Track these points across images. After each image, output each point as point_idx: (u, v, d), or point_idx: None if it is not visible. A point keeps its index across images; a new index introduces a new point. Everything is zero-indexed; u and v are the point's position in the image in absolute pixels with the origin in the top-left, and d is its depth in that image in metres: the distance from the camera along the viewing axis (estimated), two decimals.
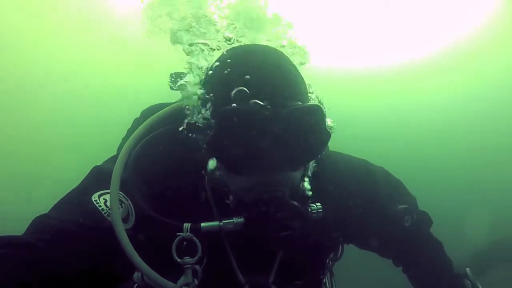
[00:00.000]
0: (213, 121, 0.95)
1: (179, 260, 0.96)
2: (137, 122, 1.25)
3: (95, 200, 0.96)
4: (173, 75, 1.25)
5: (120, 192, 0.98)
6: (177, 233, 0.96)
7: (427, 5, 5.99)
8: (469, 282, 1.27)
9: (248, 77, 0.94)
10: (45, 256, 0.85)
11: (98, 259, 0.91)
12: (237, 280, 1.04)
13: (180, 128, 1.01)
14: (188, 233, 0.97)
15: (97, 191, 0.98)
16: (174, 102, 1.18)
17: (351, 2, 5.85)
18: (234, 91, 0.93)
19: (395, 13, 6.23)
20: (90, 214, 0.94)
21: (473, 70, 6.94)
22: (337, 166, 1.20)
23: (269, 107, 0.91)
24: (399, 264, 1.42)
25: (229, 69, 0.97)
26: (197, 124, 0.98)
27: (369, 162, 1.33)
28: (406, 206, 1.28)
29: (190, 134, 1.00)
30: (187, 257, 0.97)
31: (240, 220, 0.97)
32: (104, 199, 0.97)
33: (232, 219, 0.97)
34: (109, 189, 0.97)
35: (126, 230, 0.94)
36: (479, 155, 6.89)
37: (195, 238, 0.97)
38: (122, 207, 0.97)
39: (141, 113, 1.28)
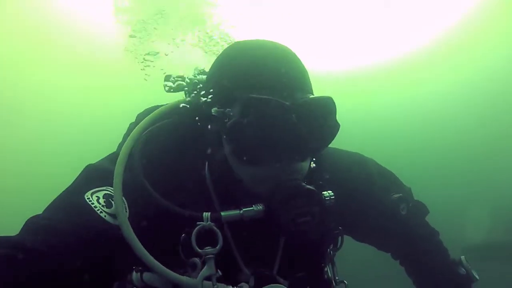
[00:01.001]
0: (229, 110, 0.97)
1: (200, 250, 0.95)
2: (133, 126, 1.24)
3: (88, 198, 0.95)
4: (171, 77, 1.25)
5: (112, 188, 0.98)
6: (197, 223, 0.96)
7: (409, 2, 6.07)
8: (463, 269, 1.30)
9: (266, 68, 0.98)
10: (38, 257, 0.84)
11: (93, 257, 0.90)
12: (241, 272, 1.04)
13: (196, 118, 1.04)
14: (209, 222, 0.97)
15: (89, 190, 0.97)
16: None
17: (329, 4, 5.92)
18: (255, 81, 0.96)
19: (375, 12, 6.34)
20: (83, 213, 0.93)
21: (459, 62, 7.05)
22: (332, 158, 1.22)
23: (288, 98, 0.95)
24: (397, 257, 1.44)
25: (245, 60, 1.01)
26: (212, 114, 0.99)
27: (361, 154, 1.37)
28: (400, 194, 1.31)
29: (205, 125, 1.02)
30: (208, 247, 0.96)
31: (260, 208, 0.98)
32: (96, 196, 0.96)
33: (251, 207, 0.98)
34: (102, 186, 0.98)
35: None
36: (469, 148, 6.98)
37: (215, 228, 0.97)
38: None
39: (136, 116, 1.28)
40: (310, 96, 1.00)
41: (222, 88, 1.01)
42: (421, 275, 1.37)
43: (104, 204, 0.96)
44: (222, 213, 0.98)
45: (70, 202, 0.96)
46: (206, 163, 1.11)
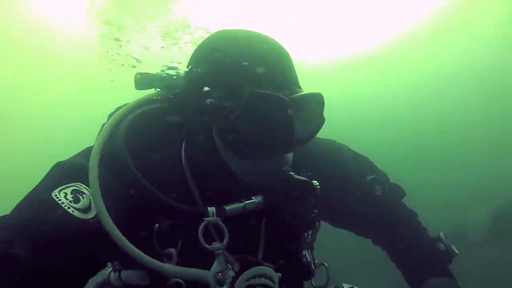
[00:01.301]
0: (226, 103, 0.98)
1: (208, 246, 0.97)
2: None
3: (55, 195, 0.94)
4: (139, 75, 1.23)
5: (81, 184, 0.98)
6: (204, 218, 0.97)
7: None
8: (443, 245, 1.31)
9: (266, 62, 1.01)
10: (6, 257, 0.83)
11: (62, 254, 0.89)
12: (226, 258, 1.03)
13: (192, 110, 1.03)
14: (215, 217, 0.98)
15: (57, 187, 0.96)
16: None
17: None
18: (257, 75, 0.98)
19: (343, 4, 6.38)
20: (51, 210, 0.92)
21: (440, 47, 7.13)
22: (307, 147, 1.22)
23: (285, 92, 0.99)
24: (377, 242, 1.45)
25: (244, 54, 1.02)
26: (206, 106, 0.99)
27: (334, 140, 1.39)
28: (375, 176, 1.33)
29: (191, 116, 1.02)
30: (215, 243, 0.98)
31: (260, 199, 1.01)
32: (64, 193, 0.95)
33: (252, 199, 1.00)
34: (70, 183, 0.97)
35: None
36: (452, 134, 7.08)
37: (220, 222, 0.98)
38: (83, 198, 0.96)
39: (108, 116, 1.26)
40: (305, 92, 1.04)
41: (217, 80, 1.02)
42: (402, 257, 1.38)
43: (71, 199, 0.95)
44: (227, 207, 1.00)
45: (38, 200, 0.95)
46: (183, 154, 1.11)
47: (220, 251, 0.98)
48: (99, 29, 5.94)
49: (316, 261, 1.21)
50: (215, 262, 0.97)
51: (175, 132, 1.11)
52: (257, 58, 1.01)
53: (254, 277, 1.01)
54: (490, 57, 6.97)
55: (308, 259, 1.19)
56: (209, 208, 0.99)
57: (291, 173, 1.03)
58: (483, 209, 5.52)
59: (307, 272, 1.19)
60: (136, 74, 1.24)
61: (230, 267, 0.99)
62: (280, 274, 1.06)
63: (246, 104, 0.96)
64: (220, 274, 0.97)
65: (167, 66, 1.23)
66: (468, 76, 7.14)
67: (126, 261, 1.10)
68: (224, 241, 0.99)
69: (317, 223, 1.18)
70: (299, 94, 1.01)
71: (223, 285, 0.97)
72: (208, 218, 0.98)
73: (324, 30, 6.92)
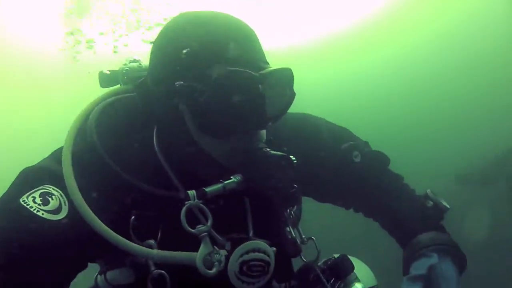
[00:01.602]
0: (198, 84, 0.95)
1: (193, 230, 0.94)
2: None
3: (23, 201, 0.92)
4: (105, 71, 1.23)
5: (49, 186, 0.96)
6: (186, 202, 0.94)
7: None
8: (431, 202, 1.25)
9: (234, 40, 0.99)
10: None
11: (39, 257, 0.88)
12: (216, 242, 1.02)
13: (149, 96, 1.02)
14: (196, 200, 0.95)
15: (25, 193, 0.94)
16: None
17: None
18: (226, 54, 0.96)
19: None
20: (20, 216, 0.89)
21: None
22: (281, 123, 1.19)
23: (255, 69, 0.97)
24: (366, 212, 1.40)
25: (210, 33, 1.00)
26: (176, 88, 0.97)
27: (308, 114, 1.36)
28: (351, 143, 1.29)
29: (172, 99, 0.99)
30: (200, 226, 0.95)
31: (239, 178, 0.98)
32: (32, 197, 0.93)
33: (231, 178, 0.98)
34: (38, 187, 0.95)
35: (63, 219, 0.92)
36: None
37: (202, 205, 0.96)
38: (52, 199, 0.94)
39: None
40: (274, 67, 1.03)
41: (185, 62, 0.98)
42: (391, 222, 1.33)
43: (40, 202, 0.92)
44: (207, 189, 0.96)
45: (6, 209, 0.92)
46: (155, 141, 1.09)
47: (205, 233, 0.95)
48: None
49: (303, 236, 1.19)
50: (202, 245, 0.94)
51: (145, 120, 1.09)
52: (223, 36, 0.99)
53: (248, 252, 0.98)
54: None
55: (293, 235, 1.17)
56: (189, 192, 0.96)
57: (267, 149, 1.01)
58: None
59: (294, 248, 1.17)
60: (99, 73, 1.24)
61: (218, 249, 0.97)
62: (274, 249, 1.04)
63: (216, 83, 0.94)
64: (209, 256, 0.94)
65: (129, 60, 1.23)
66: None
67: (107, 257, 1.08)
68: (209, 223, 0.96)
69: (298, 198, 1.16)
70: (268, 69, 1.00)
71: (212, 268, 0.94)
72: (189, 201, 0.95)
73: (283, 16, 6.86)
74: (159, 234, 1.00)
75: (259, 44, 1.06)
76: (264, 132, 1.06)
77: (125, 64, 1.18)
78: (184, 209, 0.94)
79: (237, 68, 0.95)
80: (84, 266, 1.03)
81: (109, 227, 0.92)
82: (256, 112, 0.98)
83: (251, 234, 1.08)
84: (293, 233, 1.17)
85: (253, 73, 0.96)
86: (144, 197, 1.00)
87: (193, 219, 0.96)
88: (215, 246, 0.97)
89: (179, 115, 1.01)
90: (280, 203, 1.15)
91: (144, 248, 0.94)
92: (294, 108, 1.22)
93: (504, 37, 6.38)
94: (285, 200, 1.14)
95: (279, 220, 1.17)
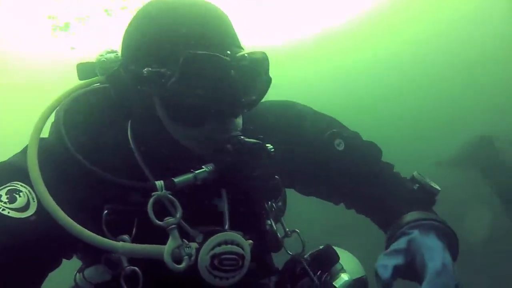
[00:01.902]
0: (164, 69, 0.92)
1: (160, 222, 0.90)
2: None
3: None
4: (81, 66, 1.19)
5: (17, 182, 0.93)
6: (152, 193, 0.91)
7: None
8: (417, 184, 1.17)
9: (202, 24, 0.95)
10: None
11: (6, 258, 0.85)
12: (189, 236, 0.98)
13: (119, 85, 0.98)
14: (164, 191, 0.91)
15: None
16: None
17: None
18: (192, 37, 0.92)
19: None
20: None
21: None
22: (261, 111, 1.17)
23: (228, 52, 0.93)
24: (348, 203, 1.33)
25: (176, 17, 0.96)
26: (143, 75, 0.93)
27: (291, 101, 1.29)
28: (334, 130, 1.21)
29: (131, 89, 0.97)
30: (168, 218, 0.91)
31: (211, 168, 0.95)
32: None
33: (203, 168, 0.94)
34: (4, 184, 0.92)
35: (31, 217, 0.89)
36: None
37: (171, 196, 0.92)
38: (20, 196, 0.91)
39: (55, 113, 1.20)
40: (247, 51, 0.99)
41: (153, 47, 0.96)
42: (378, 211, 1.25)
43: (7, 200, 0.89)
44: (176, 179, 0.93)
45: None
46: (129, 131, 1.06)
47: (174, 225, 0.91)
48: None
49: (287, 229, 1.16)
50: (170, 238, 0.90)
51: (118, 110, 1.05)
52: (193, 21, 0.95)
53: (219, 244, 0.94)
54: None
55: (274, 228, 1.13)
56: (157, 182, 0.92)
57: (242, 137, 0.97)
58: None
59: (274, 242, 1.13)
60: (77, 65, 1.21)
61: (188, 242, 0.92)
62: (251, 241, 1.00)
63: (183, 67, 0.90)
64: (178, 250, 0.90)
65: (107, 51, 1.19)
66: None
67: (81, 253, 1.05)
68: (178, 215, 0.92)
69: (278, 190, 1.13)
70: (240, 53, 0.96)
71: (181, 262, 0.90)
72: (157, 192, 0.91)
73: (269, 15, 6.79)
74: (134, 229, 0.96)
75: (232, 29, 1.02)
76: (240, 120, 1.02)
77: (101, 55, 1.14)
78: (151, 200, 0.90)
79: (204, 51, 0.91)
80: (57, 264, 1.00)
81: (80, 223, 0.88)
82: (228, 98, 0.94)
83: (226, 227, 1.03)
84: (274, 226, 1.13)
85: (221, 56, 0.92)
86: (116, 191, 0.97)
87: (164, 211, 0.93)
88: (184, 240, 0.92)
89: (150, 104, 0.97)
90: (259, 195, 1.11)
91: (108, 240, 0.89)
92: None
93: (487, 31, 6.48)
94: (264, 191, 1.10)
95: (259, 213, 1.13)
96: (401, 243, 1.01)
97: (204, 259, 0.92)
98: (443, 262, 0.93)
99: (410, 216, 1.10)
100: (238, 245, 0.96)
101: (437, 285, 0.90)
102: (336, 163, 1.21)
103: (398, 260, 0.97)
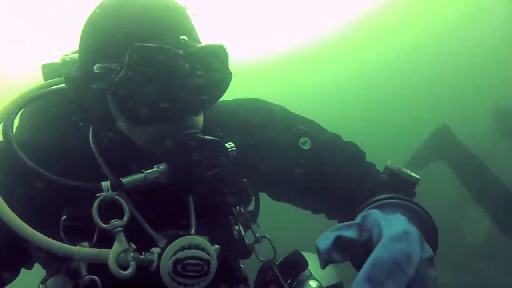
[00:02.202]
0: (115, 64, 0.87)
1: (105, 225, 0.85)
2: None
3: None
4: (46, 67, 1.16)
5: None
6: (97, 194, 0.86)
7: None
8: (383, 176, 1.02)
9: (153, 16, 0.91)
10: None
11: None
12: (153, 240, 0.93)
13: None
14: (110, 192, 0.87)
15: None
16: None
17: None
18: (143, 29, 0.88)
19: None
20: None
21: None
22: (220, 108, 1.12)
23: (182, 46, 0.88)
24: (319, 209, 1.22)
25: (127, 10, 0.92)
26: (95, 71, 0.89)
27: (265, 100, 1.21)
28: (300, 128, 1.12)
29: (87, 87, 0.92)
30: (114, 220, 0.86)
31: (163, 167, 0.89)
32: None
33: (154, 168, 0.89)
34: None
35: None
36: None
37: (117, 197, 0.87)
38: None
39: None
40: (202, 44, 0.93)
41: (103, 42, 0.92)
42: (348, 212, 1.05)
43: None
44: (123, 179, 0.88)
45: None
46: (90, 131, 1.02)
47: (120, 228, 0.86)
48: None
49: (258, 235, 1.10)
50: (115, 242, 0.85)
51: (79, 110, 1.02)
52: (145, 14, 0.91)
53: (183, 249, 0.89)
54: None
55: (243, 234, 1.08)
56: (103, 183, 0.87)
57: (199, 135, 0.91)
58: None
59: (242, 249, 1.09)
60: (42, 66, 1.17)
61: (134, 246, 0.87)
62: (218, 246, 0.94)
63: (130, 61, 0.85)
64: (124, 255, 0.85)
65: (72, 51, 1.15)
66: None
67: (41, 261, 1.02)
68: (125, 217, 0.87)
69: (247, 195, 1.08)
70: (196, 47, 0.90)
71: (127, 268, 0.84)
72: (103, 193, 0.86)
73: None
74: (96, 234, 0.91)
75: (188, 23, 0.97)
76: (199, 118, 0.97)
77: (66, 55, 1.10)
78: (96, 202, 0.86)
79: (152, 44, 0.86)
80: (16, 274, 0.96)
81: (37, 228, 0.84)
82: (181, 94, 0.88)
83: (192, 231, 0.98)
84: (242, 232, 1.08)
85: (172, 49, 0.86)
86: (74, 195, 0.92)
87: (113, 214, 0.88)
88: (132, 244, 0.87)
89: (104, 102, 0.93)
90: (227, 200, 1.06)
91: (63, 245, 0.85)
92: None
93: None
94: (231, 196, 1.06)
95: (226, 218, 1.08)
96: (354, 220, 0.81)
97: (166, 265, 0.88)
98: (405, 229, 0.72)
99: (375, 198, 0.94)
100: (203, 250, 0.91)
101: (394, 251, 0.66)
102: (300, 163, 1.12)
103: (347, 232, 0.77)
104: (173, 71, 0.87)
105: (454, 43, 7.02)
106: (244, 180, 1.09)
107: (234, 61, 1.00)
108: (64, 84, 1.08)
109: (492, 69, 6.59)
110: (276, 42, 6.96)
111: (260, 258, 1.12)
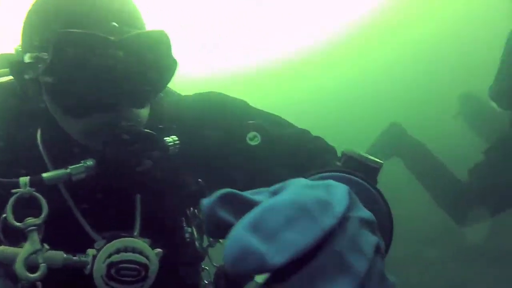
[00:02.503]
0: (43, 53, 0.81)
1: (18, 224, 0.78)
2: None
3: None
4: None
5: None
6: (13, 190, 0.79)
7: None
8: (339, 163, 0.78)
9: (82, 2, 0.84)
10: None
11: None
12: (92, 240, 0.88)
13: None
14: (28, 188, 0.80)
15: None
16: None
17: None
18: (69, 15, 0.82)
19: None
20: None
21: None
22: (171, 102, 1.05)
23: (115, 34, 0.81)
24: None
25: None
26: (26, 62, 0.84)
27: (223, 94, 1.12)
28: (250, 122, 1.00)
29: (23, 76, 0.87)
30: (30, 218, 0.79)
31: (90, 163, 0.83)
32: None
33: (81, 163, 0.82)
34: None
35: None
36: None
37: (36, 194, 0.80)
38: None
39: None
40: (138, 31, 0.85)
41: (34, 31, 0.87)
42: None
43: None
44: (44, 175, 0.81)
45: None
46: (39, 129, 0.97)
47: (34, 227, 0.78)
48: None
49: (211, 239, 1.03)
50: (27, 243, 0.78)
51: (24, 103, 0.97)
52: (72, 1, 0.85)
53: (118, 251, 0.83)
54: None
55: (195, 237, 1.02)
56: (21, 178, 0.81)
57: (135, 127, 0.85)
58: None
59: (191, 253, 1.02)
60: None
61: (48, 247, 0.80)
62: (160, 250, 0.88)
63: (55, 49, 0.78)
64: (36, 256, 0.78)
65: None
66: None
67: None
68: (42, 215, 0.79)
69: (201, 196, 0.99)
70: (131, 33, 0.82)
71: (36, 272, 0.77)
72: (19, 190, 0.80)
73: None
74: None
75: (130, 8, 0.89)
76: (143, 111, 0.90)
77: (19, 45, 1.07)
78: (12, 199, 0.79)
79: (79, 30, 0.79)
80: None
81: None
82: (116, 84, 0.81)
83: (136, 233, 0.92)
84: (195, 234, 1.02)
85: (101, 35, 0.79)
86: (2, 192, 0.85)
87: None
88: (45, 244, 0.80)
89: (40, 93, 0.88)
90: (176, 201, 1.00)
91: None
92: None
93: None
94: (182, 197, 1.00)
95: (176, 220, 1.03)
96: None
97: (99, 268, 0.82)
98: (329, 183, 0.43)
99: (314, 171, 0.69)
100: (141, 253, 0.85)
101: (302, 195, 0.38)
102: (247, 160, 1.00)
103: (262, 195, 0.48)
104: (102, 59, 0.80)
105: (461, 42, 6.98)
106: (199, 180, 1.03)
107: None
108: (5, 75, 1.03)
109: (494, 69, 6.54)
110: (278, 46, 6.97)
111: (214, 263, 1.07)
